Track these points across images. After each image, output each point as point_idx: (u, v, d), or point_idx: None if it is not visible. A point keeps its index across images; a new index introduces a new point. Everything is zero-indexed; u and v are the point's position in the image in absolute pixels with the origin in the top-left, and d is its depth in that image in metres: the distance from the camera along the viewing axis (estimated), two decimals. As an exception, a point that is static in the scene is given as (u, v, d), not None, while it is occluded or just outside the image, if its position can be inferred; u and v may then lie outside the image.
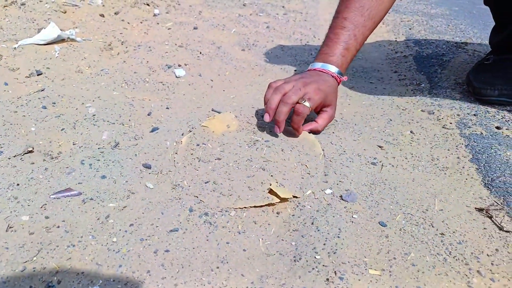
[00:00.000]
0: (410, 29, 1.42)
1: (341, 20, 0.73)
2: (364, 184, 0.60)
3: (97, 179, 0.58)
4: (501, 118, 0.78)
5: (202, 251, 0.48)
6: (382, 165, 0.64)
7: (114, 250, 0.47)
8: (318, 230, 0.51)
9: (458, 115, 0.79)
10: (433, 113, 0.80)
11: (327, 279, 0.44)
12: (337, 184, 0.59)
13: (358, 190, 0.58)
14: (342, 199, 0.56)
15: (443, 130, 0.74)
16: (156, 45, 1.07)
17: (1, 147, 0.63)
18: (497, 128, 0.75)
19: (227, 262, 0.46)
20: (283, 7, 1.59)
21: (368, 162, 0.65)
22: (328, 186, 0.59)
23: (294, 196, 0.56)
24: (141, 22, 1.20)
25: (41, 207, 0.52)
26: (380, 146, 0.69)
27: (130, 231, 0.50)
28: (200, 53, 1.06)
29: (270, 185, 0.57)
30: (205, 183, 0.58)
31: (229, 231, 0.51)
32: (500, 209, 0.55)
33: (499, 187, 0.59)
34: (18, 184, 0.56)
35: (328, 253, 0.48)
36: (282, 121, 0.66)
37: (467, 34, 1.35)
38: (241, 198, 0.55)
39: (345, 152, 0.67)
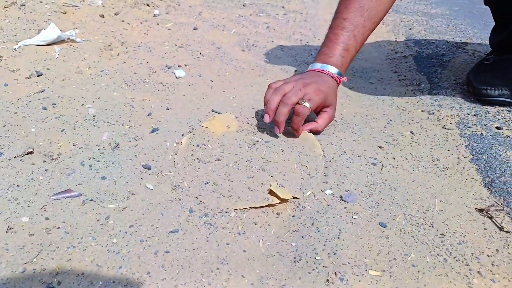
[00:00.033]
0: (410, 29, 1.42)
1: (340, 20, 0.73)
2: (364, 184, 0.60)
3: (97, 180, 0.58)
4: (501, 118, 0.78)
5: (202, 252, 0.48)
6: (382, 166, 0.64)
7: (114, 251, 0.47)
8: (318, 231, 0.51)
9: (458, 115, 0.79)
10: (433, 113, 0.80)
11: (327, 280, 0.44)
12: (337, 184, 0.59)
13: (358, 190, 0.58)
14: (342, 199, 0.56)
15: (443, 131, 0.74)
16: (156, 45, 1.07)
17: (1, 148, 0.63)
18: (497, 128, 0.75)
19: (227, 263, 0.46)
20: (283, 7, 1.59)
21: (368, 162, 0.65)
22: (328, 187, 0.59)
23: (294, 197, 0.56)
24: (141, 23, 1.20)
25: (41, 208, 0.52)
26: (380, 147, 0.69)
27: (130, 232, 0.50)
28: (200, 53, 1.06)
29: (270, 185, 0.57)
30: (205, 184, 0.58)
31: (229, 232, 0.51)
32: (500, 209, 0.55)
33: (499, 187, 0.59)
34: (18, 185, 0.56)
35: (328, 254, 0.48)
36: (282, 122, 0.66)
37: (467, 34, 1.35)
38: (241, 199, 0.55)
39: (345, 152, 0.67)
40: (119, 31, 1.12)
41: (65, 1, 1.18)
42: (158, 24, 1.22)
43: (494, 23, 0.94)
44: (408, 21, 1.53)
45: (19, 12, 1.08)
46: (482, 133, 0.73)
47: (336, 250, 0.48)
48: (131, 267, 0.45)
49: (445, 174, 0.63)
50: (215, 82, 0.94)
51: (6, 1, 1.09)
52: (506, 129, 0.74)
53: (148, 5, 1.32)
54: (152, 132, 0.71)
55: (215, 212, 0.53)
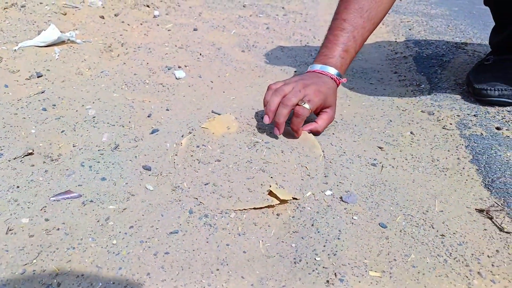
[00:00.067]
0: (410, 29, 1.42)
1: (340, 21, 0.73)
2: (364, 185, 0.60)
3: (97, 181, 0.58)
4: (501, 119, 0.78)
5: (202, 253, 0.48)
6: (382, 166, 0.64)
7: (114, 253, 0.47)
8: (318, 232, 0.51)
9: (458, 115, 0.79)
10: (433, 113, 0.80)
11: (327, 281, 0.44)
12: (337, 185, 0.59)
13: (358, 191, 0.58)
14: (342, 200, 0.56)
15: (443, 131, 0.74)
16: (156, 46, 1.07)
17: (1, 149, 0.63)
18: (497, 128, 0.74)
19: (227, 264, 0.46)
20: (283, 8, 1.59)
21: (368, 163, 0.65)
22: (328, 188, 0.59)
23: (294, 198, 0.56)
24: (141, 24, 1.20)
25: (41, 210, 0.52)
26: (380, 147, 0.69)
27: (130, 233, 0.50)
28: (200, 54, 1.06)
29: (270, 186, 0.57)
30: (205, 184, 0.58)
31: (229, 233, 0.51)
32: (500, 210, 0.55)
33: (499, 188, 0.59)
34: (18, 187, 0.56)
35: (328, 254, 0.48)
36: (282, 123, 0.66)
37: (467, 35, 1.35)
38: (241, 200, 0.55)
39: (345, 153, 0.67)
40: (119, 32, 1.12)
41: (65, 2, 1.18)
42: (158, 25, 1.22)
43: (494, 24, 0.94)
44: (408, 21, 1.53)
45: (19, 13, 1.08)
46: (482, 134, 0.73)
47: (336, 251, 0.48)
48: (131, 268, 0.45)
49: (445, 174, 0.63)
50: (215, 83, 0.94)
51: (6, 2, 1.09)
52: (506, 130, 0.74)
53: (148, 6, 1.32)
54: (152, 133, 0.71)
55: (215, 213, 0.53)
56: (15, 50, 0.92)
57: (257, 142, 0.67)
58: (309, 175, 0.61)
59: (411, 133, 0.74)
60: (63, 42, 0.99)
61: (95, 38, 1.06)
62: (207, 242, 0.49)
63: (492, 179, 0.61)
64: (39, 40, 0.95)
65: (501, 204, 0.56)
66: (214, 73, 0.98)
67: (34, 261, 0.45)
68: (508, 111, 0.81)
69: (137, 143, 0.68)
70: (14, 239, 0.47)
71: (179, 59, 1.02)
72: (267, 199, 0.55)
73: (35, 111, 0.73)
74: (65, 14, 1.14)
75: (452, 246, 0.49)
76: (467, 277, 0.45)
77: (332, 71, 0.71)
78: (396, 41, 1.31)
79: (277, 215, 0.54)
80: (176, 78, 0.93)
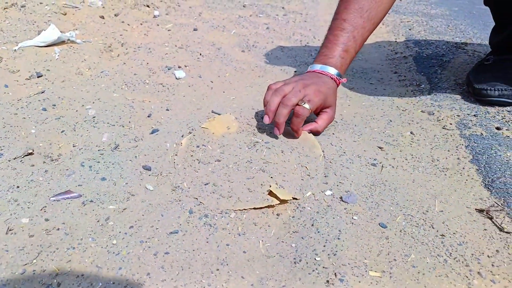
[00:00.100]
0: (410, 29, 1.42)
1: (340, 21, 0.73)
2: (364, 185, 0.60)
3: (97, 181, 0.58)
4: (501, 119, 0.78)
5: (202, 253, 0.48)
6: (382, 166, 0.64)
7: (114, 253, 0.47)
8: (318, 232, 0.51)
9: (458, 115, 0.79)
10: (433, 113, 0.80)
11: (327, 281, 0.44)
12: (337, 185, 0.59)
13: (358, 191, 0.58)
14: (342, 200, 0.56)
15: (443, 131, 0.74)
16: (156, 46, 1.07)
17: (1, 149, 0.63)
18: (497, 128, 0.74)
19: (227, 264, 0.46)
20: (283, 8, 1.59)
21: (368, 163, 0.65)
22: (328, 188, 0.59)
23: (294, 198, 0.56)
24: (141, 24, 1.20)
25: (41, 210, 0.52)
26: (380, 147, 0.69)
27: (130, 233, 0.50)
28: (200, 54, 1.06)
29: (270, 186, 0.57)
30: (205, 184, 0.58)
31: (229, 233, 0.51)
32: (500, 210, 0.55)
33: (499, 188, 0.59)
34: (18, 187, 0.56)
35: (328, 254, 0.48)
36: (282, 123, 0.66)
37: (467, 35, 1.35)
38: (241, 200, 0.55)
39: (345, 153, 0.67)
40: (119, 32, 1.12)
41: (65, 2, 1.18)
42: (158, 25, 1.22)
43: (494, 24, 0.94)
44: (408, 21, 1.53)
45: (19, 13, 1.08)
46: (482, 134, 0.73)
47: (336, 251, 0.48)
48: (131, 268, 0.45)
49: (445, 174, 0.63)
50: (215, 83, 0.94)
51: (6, 2, 1.09)
52: (506, 130, 0.74)
53: (148, 6, 1.32)
54: (152, 133, 0.71)
55: (215, 213, 0.53)
56: (15, 50, 0.92)
57: (257, 142, 0.67)
58: (309, 175, 0.61)
59: (411, 133, 0.74)
60: (63, 42, 0.99)
61: (95, 38, 1.06)
62: (207, 242, 0.49)
63: (492, 179, 0.61)
64: (39, 40, 0.95)
65: (501, 204, 0.56)
66: (214, 73, 0.98)
67: (34, 261, 0.45)
68: (508, 111, 0.81)
69: (137, 143, 0.68)
70: (14, 239, 0.47)
71: (179, 59, 1.02)
72: (267, 199, 0.55)
73: (35, 111, 0.73)
74: (65, 14, 1.14)
75: (452, 246, 0.49)
76: (467, 277, 0.45)
77: (332, 71, 0.71)
78: (396, 41, 1.31)
79: (277, 215, 0.54)
80: (176, 78, 0.93)
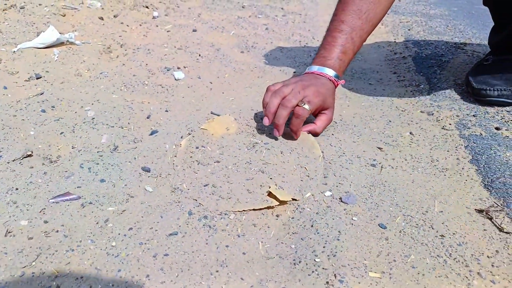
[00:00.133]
0: (409, 30, 1.42)
1: (338, 23, 0.72)
2: (364, 186, 0.60)
3: (96, 183, 0.58)
4: (501, 119, 0.78)
5: (202, 254, 0.47)
6: (381, 167, 0.64)
7: (113, 254, 0.47)
8: (318, 233, 0.51)
9: (457, 116, 0.79)
10: (433, 114, 0.80)
11: (327, 282, 0.44)
12: (337, 186, 0.59)
13: (357, 192, 0.58)
14: (341, 201, 0.56)
15: (442, 131, 0.74)
16: (155, 47, 1.07)
17: (0, 151, 0.63)
18: (497, 128, 0.74)
19: (226, 266, 0.46)
20: (282, 8, 1.59)
21: (368, 163, 0.65)
22: (327, 188, 0.59)
23: (293, 199, 0.56)
24: (140, 25, 1.20)
25: (40, 212, 0.52)
26: (379, 148, 0.69)
27: (129, 235, 0.49)
28: (199, 55, 1.06)
29: (269, 187, 0.57)
30: (204, 186, 0.58)
31: (229, 235, 0.51)
32: (500, 210, 0.55)
33: (499, 188, 0.59)
34: (17, 189, 0.56)
35: (328, 256, 0.48)
36: (281, 124, 0.66)
37: (466, 35, 1.35)
38: (240, 201, 0.55)
39: (344, 154, 0.67)
40: (118, 33, 1.12)
41: (64, 3, 1.18)
42: (157, 26, 1.22)
43: (493, 24, 0.94)
44: (407, 22, 1.53)
45: (18, 15, 1.08)
46: (481, 134, 0.73)
47: (336, 252, 0.48)
48: (130, 270, 0.45)
49: (445, 175, 0.63)
50: (214, 84, 0.94)
51: (5, 4, 1.09)
52: (506, 130, 0.74)
53: (147, 7, 1.32)
54: (151, 134, 0.71)
55: (214, 214, 0.53)
56: (14, 51, 0.92)
57: (256, 143, 0.67)
58: (308, 176, 0.61)
59: (410, 133, 0.74)
60: (62, 44, 0.99)
61: (94, 40, 1.06)
62: (207, 243, 0.49)
63: (491, 179, 0.61)
64: (38, 42, 0.95)
65: (501, 204, 0.56)
66: (213, 74, 0.98)
67: (33, 263, 0.45)
68: (507, 111, 0.81)
69: (136, 144, 0.68)
70: (13, 242, 0.47)
71: (178, 60, 1.02)
72: (267, 200, 0.55)
73: (34, 112, 0.73)
74: (64, 16, 1.14)
75: (452, 246, 0.49)
76: (467, 277, 0.45)
77: (330, 72, 0.71)
78: (395, 42, 1.31)
79: (277, 216, 0.54)
80: (175, 79, 0.93)
